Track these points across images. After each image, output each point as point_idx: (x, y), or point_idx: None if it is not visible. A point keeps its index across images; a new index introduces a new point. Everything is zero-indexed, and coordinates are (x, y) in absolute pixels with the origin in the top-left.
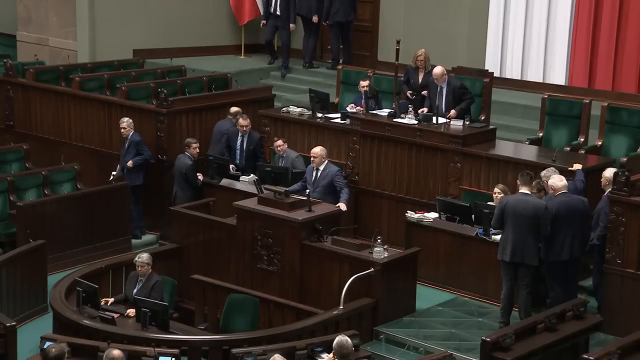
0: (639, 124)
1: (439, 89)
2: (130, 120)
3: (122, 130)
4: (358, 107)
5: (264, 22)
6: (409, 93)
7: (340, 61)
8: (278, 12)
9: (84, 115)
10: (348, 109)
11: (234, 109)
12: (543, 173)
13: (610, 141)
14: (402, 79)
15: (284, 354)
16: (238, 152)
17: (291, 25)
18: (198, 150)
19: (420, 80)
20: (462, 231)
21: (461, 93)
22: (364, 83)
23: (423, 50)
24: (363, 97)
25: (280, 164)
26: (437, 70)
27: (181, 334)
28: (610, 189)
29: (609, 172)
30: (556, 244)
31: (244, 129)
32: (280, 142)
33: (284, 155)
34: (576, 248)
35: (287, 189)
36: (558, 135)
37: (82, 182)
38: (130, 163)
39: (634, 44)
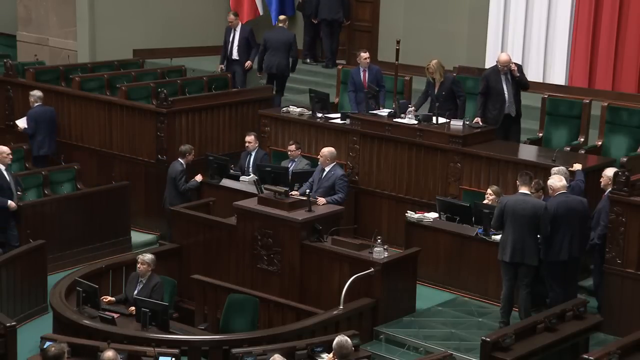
0: (639, 124)
1: (504, 79)
2: (37, 94)
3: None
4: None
5: (222, 67)
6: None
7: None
8: (235, 57)
9: (84, 115)
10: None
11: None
12: (553, 171)
13: (610, 141)
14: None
15: (284, 354)
16: (246, 170)
17: (247, 62)
18: (193, 157)
19: (436, 91)
20: (462, 231)
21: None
22: (365, 55)
23: (433, 61)
24: (361, 70)
25: (290, 168)
26: (504, 56)
27: (181, 334)
28: (611, 189)
29: (610, 172)
30: (554, 244)
31: (248, 145)
32: (293, 147)
33: (296, 160)
34: (575, 248)
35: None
36: (558, 135)
37: (82, 182)
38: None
39: (634, 44)
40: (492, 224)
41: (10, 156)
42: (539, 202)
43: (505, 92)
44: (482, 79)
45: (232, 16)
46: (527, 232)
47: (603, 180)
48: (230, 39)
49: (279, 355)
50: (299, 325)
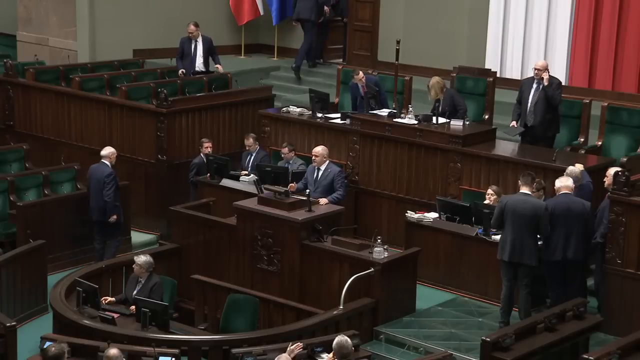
0: (639, 124)
1: (534, 87)
2: None
3: None
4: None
5: (183, 70)
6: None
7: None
8: (202, 68)
9: (84, 115)
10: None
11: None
12: (567, 170)
13: (610, 141)
14: None
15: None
16: (245, 169)
17: (219, 67)
18: (209, 150)
19: (440, 108)
20: (462, 231)
21: (557, 90)
22: (359, 76)
23: (433, 79)
24: (360, 87)
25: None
26: (539, 62)
27: (181, 334)
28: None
29: (614, 171)
30: (551, 244)
31: (248, 148)
32: (286, 149)
33: (290, 162)
34: (571, 250)
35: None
36: (558, 135)
37: (82, 182)
38: None
39: (634, 44)
40: (491, 223)
41: (115, 155)
42: (539, 203)
43: (529, 100)
44: (520, 86)
45: (192, 27)
46: (527, 232)
47: (607, 180)
48: (192, 51)
49: (286, 355)
50: (299, 325)
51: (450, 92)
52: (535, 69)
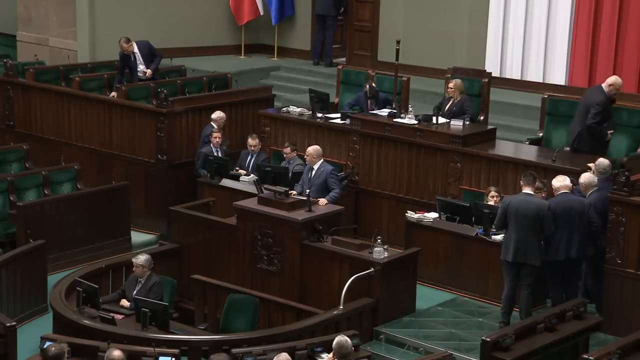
0: (639, 124)
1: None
2: None
3: None
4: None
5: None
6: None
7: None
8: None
9: (84, 115)
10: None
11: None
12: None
13: (611, 141)
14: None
15: None
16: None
17: (148, 71)
18: (217, 140)
19: (446, 108)
20: (462, 231)
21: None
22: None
23: (454, 81)
24: (366, 94)
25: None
26: (621, 80)
27: (181, 334)
28: (589, 192)
29: (584, 178)
30: (553, 244)
31: (252, 149)
32: (288, 149)
33: (291, 162)
34: (573, 249)
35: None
36: (558, 135)
37: (82, 182)
38: None
39: (634, 44)
40: (495, 224)
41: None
42: (542, 202)
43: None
44: (601, 106)
45: (123, 44)
46: (531, 233)
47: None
48: (132, 63)
49: (285, 354)
50: (299, 325)
51: (464, 97)
52: (619, 88)
